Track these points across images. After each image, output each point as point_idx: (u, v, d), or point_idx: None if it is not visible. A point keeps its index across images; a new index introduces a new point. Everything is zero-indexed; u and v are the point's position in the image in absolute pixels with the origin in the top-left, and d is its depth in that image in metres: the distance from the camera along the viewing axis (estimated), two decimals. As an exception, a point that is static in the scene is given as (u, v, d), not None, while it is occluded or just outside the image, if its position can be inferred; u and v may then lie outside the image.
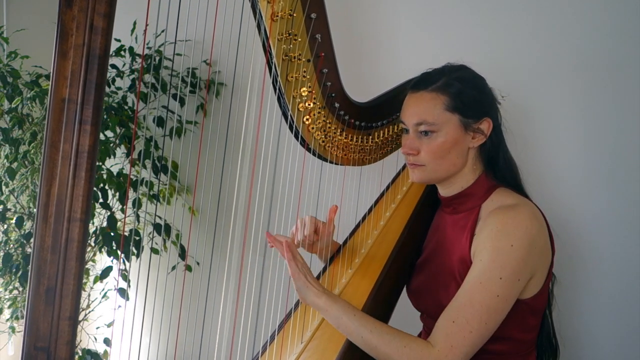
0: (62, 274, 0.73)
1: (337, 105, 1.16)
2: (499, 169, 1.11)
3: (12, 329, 1.90)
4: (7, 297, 1.86)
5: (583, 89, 1.52)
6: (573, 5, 1.51)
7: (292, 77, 1.08)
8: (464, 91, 1.06)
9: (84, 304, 2.10)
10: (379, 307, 1.12)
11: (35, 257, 0.72)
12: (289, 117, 1.12)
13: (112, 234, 1.82)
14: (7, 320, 1.90)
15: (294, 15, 1.04)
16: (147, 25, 0.85)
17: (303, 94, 1.11)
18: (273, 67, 1.05)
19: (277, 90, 1.09)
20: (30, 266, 0.73)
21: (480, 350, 1.01)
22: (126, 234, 1.84)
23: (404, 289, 1.24)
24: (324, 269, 1.26)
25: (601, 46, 1.49)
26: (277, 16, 1.02)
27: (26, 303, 0.72)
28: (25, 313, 0.72)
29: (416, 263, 1.24)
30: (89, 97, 0.72)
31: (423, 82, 1.09)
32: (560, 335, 1.18)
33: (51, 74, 0.70)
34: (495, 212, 1.01)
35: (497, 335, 1.02)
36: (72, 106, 0.71)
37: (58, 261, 0.72)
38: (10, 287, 1.83)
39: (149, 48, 1.96)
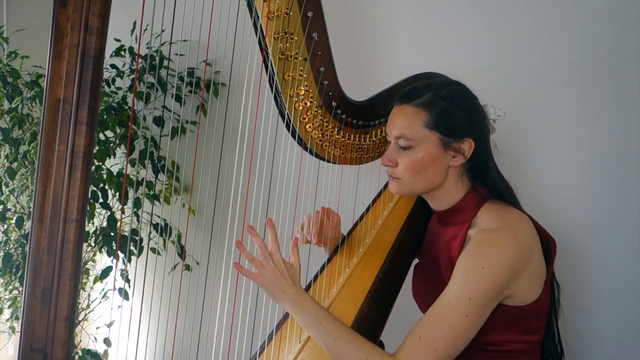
0: (58, 274, 0.72)
1: (334, 104, 1.16)
2: (485, 186, 1.09)
3: (12, 329, 1.91)
4: (7, 297, 1.87)
5: (584, 90, 1.50)
6: (575, 4, 1.50)
7: (288, 76, 1.08)
8: (448, 110, 1.04)
9: (84, 304, 2.11)
10: (377, 306, 1.12)
11: (31, 258, 0.71)
12: (286, 116, 1.12)
13: (112, 234, 1.82)
14: (7, 320, 1.91)
15: (290, 13, 1.03)
16: (142, 25, 0.85)
17: (300, 93, 1.11)
18: (269, 66, 1.05)
19: (274, 90, 1.08)
20: (25, 267, 0.72)
21: (487, 348, 1.02)
22: (125, 233, 1.84)
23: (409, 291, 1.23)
24: (323, 267, 1.26)
25: (604, 47, 1.47)
26: (274, 15, 1.02)
27: (22, 304, 0.72)
28: (21, 314, 0.72)
29: (417, 266, 1.24)
30: (84, 98, 0.72)
31: (408, 96, 1.08)
32: (566, 342, 1.17)
33: (46, 74, 0.70)
34: (476, 234, 1.01)
35: (501, 338, 1.02)
36: (67, 106, 0.71)
37: (54, 262, 0.72)
38: (10, 287, 1.84)
39: (149, 48, 1.96)
